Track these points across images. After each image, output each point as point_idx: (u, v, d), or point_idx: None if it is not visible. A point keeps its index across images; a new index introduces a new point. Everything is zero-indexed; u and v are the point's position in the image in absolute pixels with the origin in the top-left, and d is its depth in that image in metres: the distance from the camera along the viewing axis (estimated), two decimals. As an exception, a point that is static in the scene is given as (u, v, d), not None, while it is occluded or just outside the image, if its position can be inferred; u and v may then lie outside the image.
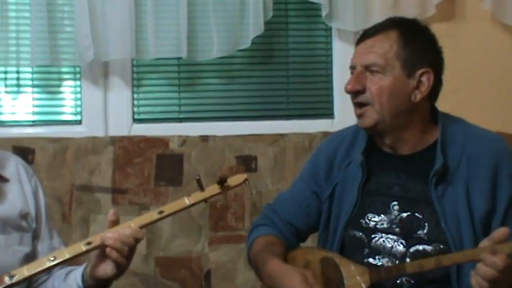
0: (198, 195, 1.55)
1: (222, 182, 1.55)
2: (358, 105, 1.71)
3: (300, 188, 1.91)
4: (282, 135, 2.65)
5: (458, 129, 1.73)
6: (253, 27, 2.62)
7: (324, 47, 2.86)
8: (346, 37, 2.74)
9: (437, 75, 1.73)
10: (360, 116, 1.72)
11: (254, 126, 2.73)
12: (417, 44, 1.70)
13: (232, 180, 1.58)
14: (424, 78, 1.69)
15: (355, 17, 2.64)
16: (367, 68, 1.69)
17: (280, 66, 2.83)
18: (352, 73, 1.73)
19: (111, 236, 1.48)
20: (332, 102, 2.82)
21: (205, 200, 1.57)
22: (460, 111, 1.87)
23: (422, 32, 1.75)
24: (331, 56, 2.83)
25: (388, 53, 1.67)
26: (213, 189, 1.57)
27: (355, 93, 1.70)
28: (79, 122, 2.71)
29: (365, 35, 1.73)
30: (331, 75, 2.82)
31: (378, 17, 2.54)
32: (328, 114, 2.83)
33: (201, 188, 1.55)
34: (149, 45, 2.58)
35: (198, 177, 1.54)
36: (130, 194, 2.56)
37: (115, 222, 1.53)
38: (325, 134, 2.57)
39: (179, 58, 2.68)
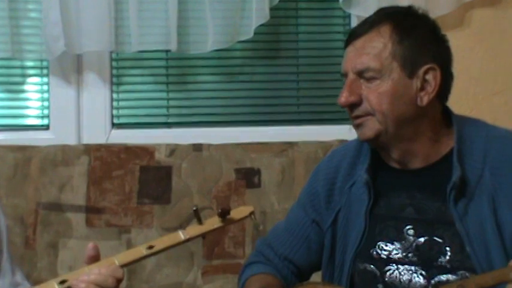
0: (195, 229, 1.57)
1: (224, 214, 1.57)
2: (356, 116, 1.70)
3: (298, 217, 1.89)
4: (291, 144, 2.64)
5: (478, 133, 1.70)
6: (257, 14, 2.60)
7: (341, 38, 2.81)
8: (368, 26, 2.69)
9: (445, 70, 1.69)
10: (358, 127, 1.70)
11: (257, 133, 2.72)
12: (415, 36, 1.66)
13: (236, 213, 1.60)
14: (429, 77, 1.66)
15: (379, 3, 2.58)
16: (361, 74, 1.66)
17: (289, 61, 2.82)
18: (344, 82, 1.71)
19: (85, 278, 1.46)
20: None
21: (203, 236, 1.58)
22: (507, 114, 1.81)
23: (420, 21, 1.71)
24: None
25: (383, 52, 1.64)
26: (213, 222, 1.59)
27: (351, 106, 1.68)
28: (46, 127, 2.70)
29: (353, 35, 1.71)
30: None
31: (406, 2, 2.48)
32: (346, 119, 2.67)
33: (199, 220, 1.57)
34: (132, 35, 2.57)
35: (195, 208, 1.56)
36: (108, 214, 2.55)
37: (95, 258, 1.50)
38: (342, 142, 2.50)
39: (167, 51, 2.68)
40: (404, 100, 1.64)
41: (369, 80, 1.65)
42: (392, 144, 1.69)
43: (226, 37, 2.61)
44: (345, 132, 2.68)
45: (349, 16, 2.77)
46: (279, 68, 2.80)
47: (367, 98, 1.65)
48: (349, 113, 1.70)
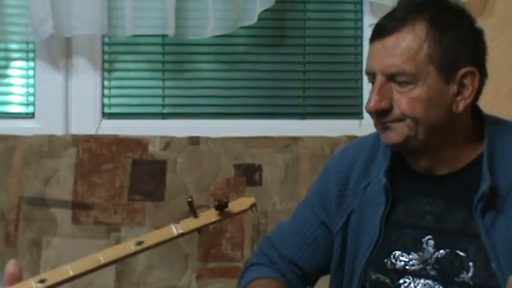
0: (190, 223, 1.48)
1: (221, 207, 1.49)
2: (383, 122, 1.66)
3: (305, 217, 1.86)
4: (296, 139, 2.62)
5: (511, 137, 1.66)
6: None
7: (352, 25, 2.83)
8: (381, 13, 2.62)
9: (482, 71, 1.64)
10: (384, 130, 1.65)
11: (259, 127, 2.72)
12: (454, 35, 1.60)
13: (235, 205, 1.52)
14: (467, 81, 1.61)
15: (394, -12, 2.57)
16: (392, 77, 1.60)
17: (296, 49, 2.81)
18: (370, 81, 1.65)
19: None
20: (361, 97, 2.78)
21: (198, 230, 1.49)
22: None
23: (458, 16, 1.64)
24: (361, 37, 2.79)
25: (418, 55, 1.58)
26: (209, 215, 1.50)
27: (380, 112, 1.63)
28: (31, 116, 2.69)
29: (382, 30, 1.63)
30: (360, 62, 2.78)
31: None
32: (356, 113, 2.80)
33: (194, 213, 1.48)
34: (126, 18, 2.56)
35: (190, 199, 1.48)
36: (96, 211, 2.54)
37: (15, 278, 1.39)
38: (351, 138, 2.54)
39: (164, 36, 2.67)
40: (439, 107, 1.60)
41: (401, 84, 1.59)
42: (421, 151, 1.66)
43: (228, 22, 2.60)
44: (354, 128, 2.72)
45: (360, 2, 2.76)
46: (284, 57, 2.79)
47: (398, 104, 1.60)
48: (376, 119, 1.64)
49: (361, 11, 2.77)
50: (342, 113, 2.80)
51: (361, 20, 2.77)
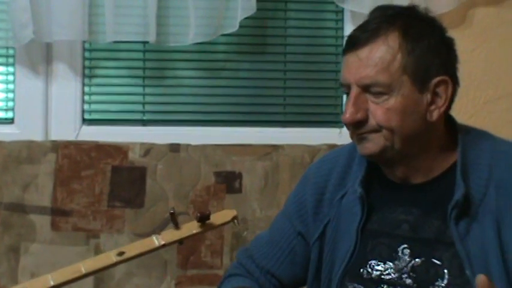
0: (171, 234, 1.54)
1: (203, 219, 1.54)
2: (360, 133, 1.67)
3: (282, 228, 1.88)
4: (276, 147, 2.64)
5: (484, 146, 1.68)
6: (243, 5, 2.59)
7: (333, 34, 2.83)
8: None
9: (455, 80, 1.66)
10: (361, 140, 1.66)
11: (239, 134, 2.72)
12: (426, 44, 1.62)
13: (217, 217, 1.57)
14: (440, 90, 1.63)
15: (375, -3, 2.60)
16: (367, 88, 1.61)
17: (276, 57, 2.81)
18: (345, 92, 1.66)
19: None
20: (341, 106, 2.77)
21: (180, 241, 1.54)
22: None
23: (428, 26, 1.66)
24: (341, 46, 2.64)
25: (392, 65, 1.60)
26: (191, 227, 1.55)
27: (356, 123, 1.64)
28: (10, 121, 2.68)
29: (355, 42, 1.64)
30: (341, 71, 2.72)
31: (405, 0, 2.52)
32: (336, 121, 2.79)
33: (176, 224, 1.53)
34: (106, 24, 2.55)
35: (172, 211, 1.53)
36: (75, 217, 2.54)
37: None
38: (331, 146, 2.55)
39: (145, 42, 2.66)
40: (414, 116, 1.62)
41: (376, 94, 1.60)
42: (396, 161, 1.67)
43: (209, 29, 2.59)
44: (334, 136, 2.72)
45: (342, 11, 2.76)
46: (265, 65, 2.79)
47: (373, 114, 1.61)
48: (352, 130, 1.65)
49: (342, 20, 2.78)
50: (322, 121, 2.80)
51: (342, 28, 2.78)
